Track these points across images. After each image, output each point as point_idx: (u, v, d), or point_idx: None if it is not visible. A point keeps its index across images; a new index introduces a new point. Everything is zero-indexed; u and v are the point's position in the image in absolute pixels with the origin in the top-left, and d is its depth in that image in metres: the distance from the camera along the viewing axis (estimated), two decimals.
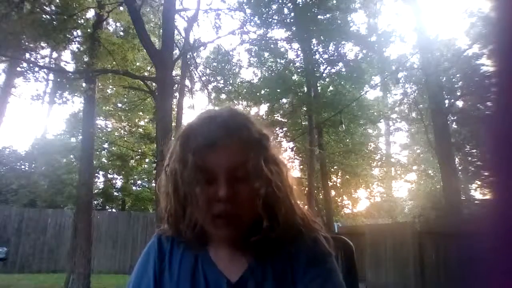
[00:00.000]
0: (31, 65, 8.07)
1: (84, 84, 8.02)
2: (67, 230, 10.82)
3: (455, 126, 10.01)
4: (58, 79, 9.18)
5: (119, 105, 13.82)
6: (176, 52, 8.85)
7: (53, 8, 8.11)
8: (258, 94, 13.08)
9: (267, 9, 10.35)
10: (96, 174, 13.70)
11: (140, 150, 14.60)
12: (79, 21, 8.54)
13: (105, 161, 14.83)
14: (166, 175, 0.79)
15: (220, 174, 0.71)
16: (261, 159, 0.74)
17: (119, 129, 15.30)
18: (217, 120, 0.75)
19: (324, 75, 12.11)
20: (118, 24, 10.73)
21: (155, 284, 0.80)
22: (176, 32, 8.62)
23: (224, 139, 0.72)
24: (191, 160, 0.72)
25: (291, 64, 12.29)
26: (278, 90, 12.25)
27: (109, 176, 15.62)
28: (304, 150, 12.09)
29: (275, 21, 10.53)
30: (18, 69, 9.03)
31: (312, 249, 0.78)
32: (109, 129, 15.54)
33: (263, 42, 11.05)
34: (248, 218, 0.75)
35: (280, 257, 0.78)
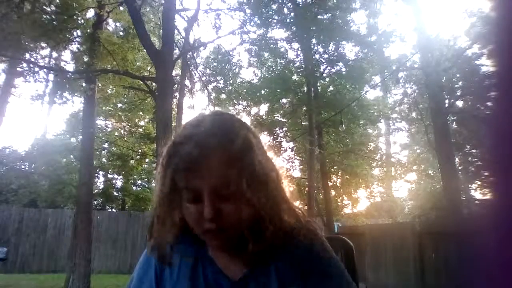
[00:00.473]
0: (31, 65, 8.06)
1: (84, 84, 8.02)
2: (67, 230, 10.82)
3: (455, 126, 10.01)
4: (58, 79, 9.18)
5: (119, 105, 13.83)
6: (176, 52, 8.86)
7: (53, 8, 8.11)
8: (258, 94, 13.07)
9: (267, 9, 10.35)
10: (96, 174, 13.70)
11: (140, 150, 14.60)
12: (79, 21, 8.54)
13: (105, 161, 14.83)
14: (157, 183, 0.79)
15: (203, 194, 0.70)
16: (243, 177, 0.70)
17: (119, 129, 15.30)
18: (198, 136, 0.71)
19: (324, 75, 12.11)
20: (118, 24, 10.73)
21: (157, 283, 0.81)
22: (176, 32, 8.62)
23: (204, 160, 0.69)
24: (170, 181, 0.71)
25: (291, 64, 12.28)
26: (278, 90, 12.25)
27: (109, 176, 15.62)
28: (304, 150, 12.10)
29: (275, 21, 10.53)
30: (18, 69, 9.03)
31: (313, 255, 0.79)
32: (109, 129, 15.54)
33: (263, 42, 11.04)
34: (238, 230, 0.75)
35: (281, 258, 0.79)
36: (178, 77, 10.79)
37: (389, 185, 17.29)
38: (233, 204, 0.71)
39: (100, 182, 15.14)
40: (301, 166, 14.25)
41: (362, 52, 10.91)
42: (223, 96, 14.07)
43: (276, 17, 10.56)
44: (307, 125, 11.57)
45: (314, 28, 9.96)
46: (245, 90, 13.73)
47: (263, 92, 12.93)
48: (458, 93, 9.57)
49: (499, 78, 0.45)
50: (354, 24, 10.95)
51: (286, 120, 13.81)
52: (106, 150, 15.08)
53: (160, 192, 0.75)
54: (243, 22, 9.98)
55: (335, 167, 14.34)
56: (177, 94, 10.22)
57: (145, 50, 7.44)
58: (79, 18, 8.44)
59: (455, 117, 9.65)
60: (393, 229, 8.90)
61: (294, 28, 10.50)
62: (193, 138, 0.71)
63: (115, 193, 15.46)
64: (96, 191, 13.62)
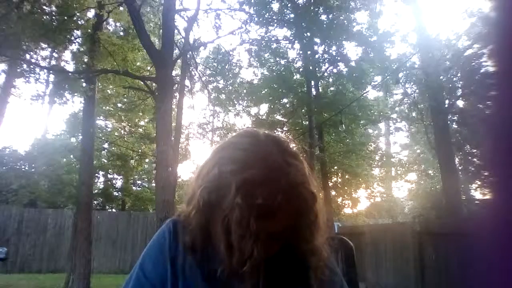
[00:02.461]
0: (31, 66, 8.06)
1: (84, 84, 8.02)
2: (67, 230, 10.83)
3: (455, 126, 10.01)
4: (58, 79, 9.18)
5: (119, 105, 13.82)
6: (176, 52, 8.85)
7: (53, 8, 8.10)
8: (258, 94, 13.07)
9: (268, 9, 10.34)
10: (96, 174, 13.70)
11: (140, 150, 14.60)
12: (79, 22, 8.53)
13: (105, 161, 14.83)
14: (205, 191, 0.73)
15: (262, 234, 0.68)
16: (309, 227, 0.73)
17: (119, 129, 15.31)
18: (276, 181, 0.67)
19: (325, 75, 12.10)
20: (118, 24, 10.72)
21: (172, 266, 0.78)
22: (176, 32, 8.61)
23: (283, 210, 0.67)
24: (251, 224, 0.66)
25: (292, 64, 12.27)
26: (279, 90, 12.24)
27: (109, 176, 15.63)
28: (304, 150, 12.08)
29: (276, 21, 10.52)
30: (18, 70, 9.02)
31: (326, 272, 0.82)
32: (109, 129, 15.55)
33: (263, 42, 11.02)
34: None
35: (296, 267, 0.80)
36: (178, 77, 10.78)
37: (389, 185, 17.30)
38: (282, 241, 0.73)
39: (100, 182, 15.15)
40: None
41: (366, 50, 10.88)
42: (223, 96, 14.07)
43: (276, 17, 10.55)
44: (307, 125, 11.57)
45: (315, 28, 9.95)
46: (245, 90, 13.73)
47: (263, 92, 12.93)
48: (458, 93, 9.57)
49: (499, 78, 0.45)
50: (357, 23, 10.93)
51: (286, 120, 13.81)
52: (106, 150, 15.08)
53: (231, 224, 0.69)
54: (243, 22, 9.97)
55: (336, 167, 14.33)
56: (177, 94, 10.20)
57: (145, 50, 7.44)
58: (79, 18, 8.43)
59: (455, 117, 9.65)
60: (393, 229, 8.89)
61: (295, 28, 10.50)
62: (276, 178, 0.68)
63: (115, 193, 15.47)
64: (96, 191, 13.62)
